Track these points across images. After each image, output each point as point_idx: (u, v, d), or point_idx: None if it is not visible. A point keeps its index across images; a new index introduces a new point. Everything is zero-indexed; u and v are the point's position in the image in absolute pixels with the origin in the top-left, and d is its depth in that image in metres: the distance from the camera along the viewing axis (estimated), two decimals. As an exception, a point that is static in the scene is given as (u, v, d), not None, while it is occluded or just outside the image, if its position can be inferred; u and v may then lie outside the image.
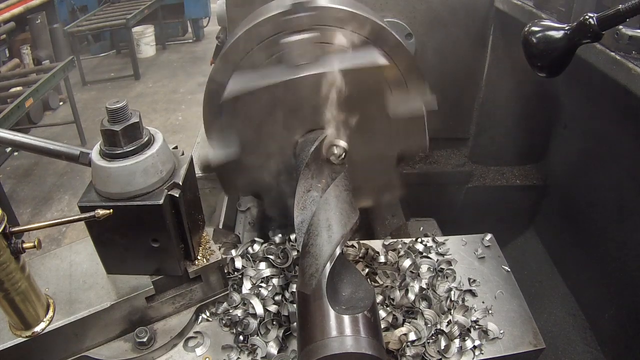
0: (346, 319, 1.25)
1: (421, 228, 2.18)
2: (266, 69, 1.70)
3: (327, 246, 1.37)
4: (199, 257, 1.56)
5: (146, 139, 1.32)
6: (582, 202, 2.64)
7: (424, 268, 1.83)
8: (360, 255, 1.87)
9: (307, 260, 1.37)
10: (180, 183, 1.37)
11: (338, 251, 1.37)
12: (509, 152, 3.04)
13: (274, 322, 1.61)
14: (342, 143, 1.67)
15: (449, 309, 1.65)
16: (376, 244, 1.93)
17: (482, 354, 1.56)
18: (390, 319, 1.60)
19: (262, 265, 1.80)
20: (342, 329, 1.23)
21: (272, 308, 1.64)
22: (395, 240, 1.95)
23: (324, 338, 1.22)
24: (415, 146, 1.90)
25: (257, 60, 1.72)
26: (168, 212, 1.34)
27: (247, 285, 1.73)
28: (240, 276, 1.77)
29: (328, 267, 1.33)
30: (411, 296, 1.67)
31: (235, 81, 1.69)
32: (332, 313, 1.26)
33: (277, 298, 1.69)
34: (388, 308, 1.66)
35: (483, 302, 1.72)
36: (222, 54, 1.74)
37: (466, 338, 1.58)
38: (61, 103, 8.11)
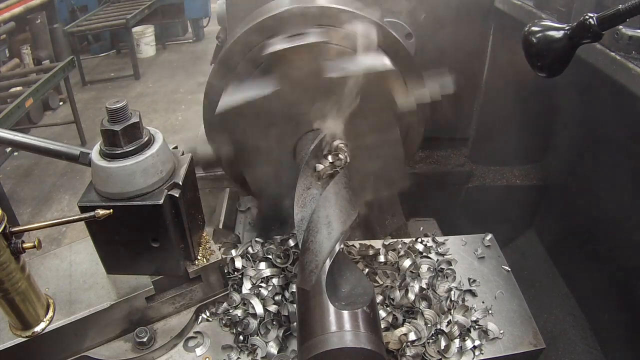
0: (346, 314, 1.26)
1: (421, 228, 2.19)
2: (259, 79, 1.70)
3: (326, 243, 1.38)
4: (199, 257, 1.56)
5: (146, 139, 1.32)
6: (582, 202, 2.64)
7: (424, 268, 1.83)
8: (361, 255, 1.87)
9: (307, 257, 1.38)
10: (180, 183, 1.37)
11: (337, 248, 1.37)
12: (509, 152, 3.03)
13: (274, 322, 1.61)
14: (339, 143, 1.67)
15: (449, 309, 1.65)
16: (376, 244, 1.93)
17: (482, 354, 1.56)
18: (390, 319, 1.60)
19: (262, 265, 1.80)
20: (341, 324, 1.24)
21: (272, 308, 1.64)
22: (395, 240, 1.95)
23: (324, 333, 1.23)
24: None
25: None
26: (168, 212, 1.34)
27: (247, 285, 1.73)
28: (240, 276, 1.77)
29: (328, 263, 1.34)
30: (411, 296, 1.67)
31: (229, 94, 1.67)
32: (331, 309, 1.27)
33: (277, 298, 1.69)
34: (388, 308, 1.66)
35: (483, 302, 1.72)
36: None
37: (466, 338, 1.58)
38: (61, 103, 8.10)
